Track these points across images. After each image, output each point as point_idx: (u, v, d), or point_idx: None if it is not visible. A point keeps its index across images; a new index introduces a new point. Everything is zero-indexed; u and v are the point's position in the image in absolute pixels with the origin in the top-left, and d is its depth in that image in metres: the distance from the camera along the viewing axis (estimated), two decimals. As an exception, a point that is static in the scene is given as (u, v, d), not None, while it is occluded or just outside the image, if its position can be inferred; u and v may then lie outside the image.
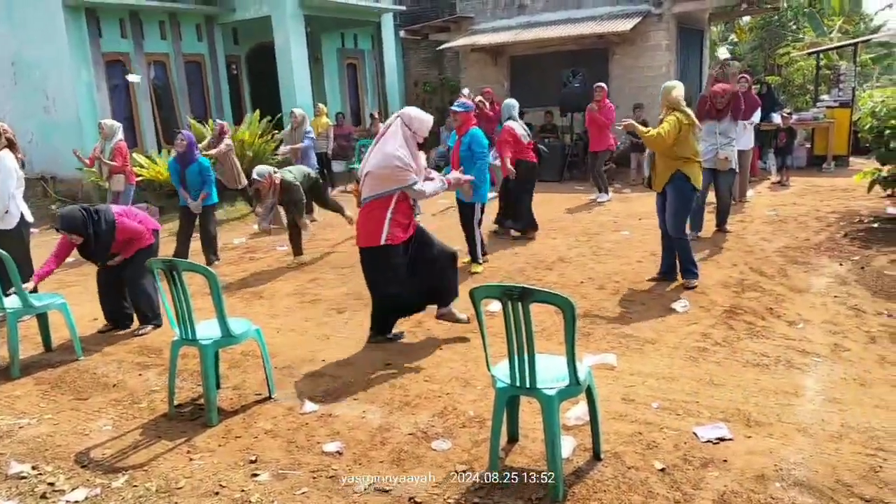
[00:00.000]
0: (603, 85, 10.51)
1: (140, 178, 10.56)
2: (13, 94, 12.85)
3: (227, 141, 10.11)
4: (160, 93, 13.72)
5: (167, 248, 7.89)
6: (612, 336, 4.85)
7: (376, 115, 15.82)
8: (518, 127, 7.82)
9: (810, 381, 3.98)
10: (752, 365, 4.24)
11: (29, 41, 12.34)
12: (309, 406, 3.99)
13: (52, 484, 3.33)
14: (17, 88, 12.79)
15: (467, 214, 6.78)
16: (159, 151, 12.47)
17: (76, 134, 11.89)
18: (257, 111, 12.86)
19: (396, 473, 3.24)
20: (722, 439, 3.37)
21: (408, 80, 19.38)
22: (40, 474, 3.44)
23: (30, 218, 6.12)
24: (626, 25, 12.82)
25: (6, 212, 5.85)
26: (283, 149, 10.70)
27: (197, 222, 7.83)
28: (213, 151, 10.07)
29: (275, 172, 7.14)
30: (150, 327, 5.55)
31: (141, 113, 13.28)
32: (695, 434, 3.43)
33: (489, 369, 3.19)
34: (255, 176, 7.07)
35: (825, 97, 13.45)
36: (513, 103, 8.03)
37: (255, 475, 3.29)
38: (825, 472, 3.04)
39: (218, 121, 10.98)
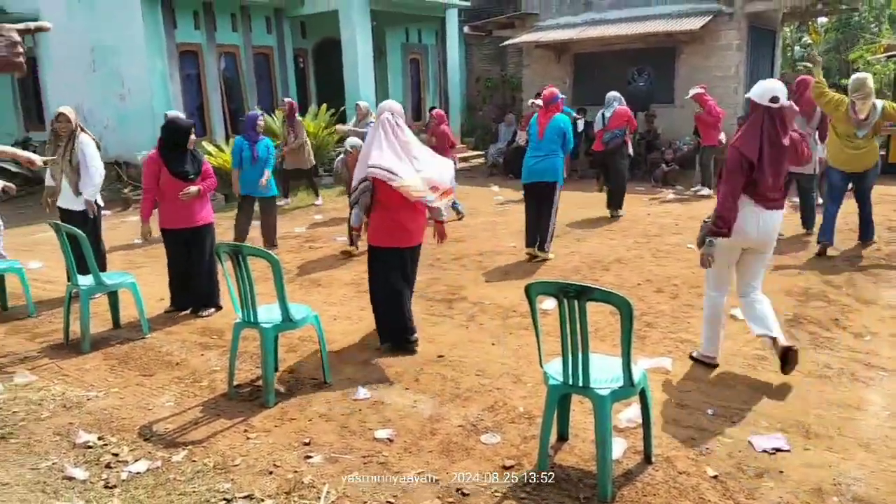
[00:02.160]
0: (695, 91, 10.45)
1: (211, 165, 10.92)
2: (91, 81, 13.39)
3: (301, 123, 10.52)
4: (230, 84, 14.10)
5: (227, 236, 8.13)
6: (668, 340, 4.78)
7: (434, 112, 15.91)
8: (597, 118, 9.33)
9: (875, 395, 3.84)
10: (814, 376, 4.11)
11: (108, 29, 12.85)
12: (362, 392, 4.06)
13: (116, 454, 3.49)
14: (96, 75, 13.33)
15: (551, 195, 6.98)
16: (227, 141, 12.83)
17: (149, 122, 12.34)
18: (324, 105, 13.10)
19: (445, 464, 3.28)
20: (779, 450, 3.28)
21: (470, 77, 19.40)
22: (105, 444, 3.60)
23: (100, 202, 6.37)
24: (695, 24, 12.54)
25: (80, 194, 6.08)
26: (341, 127, 10.85)
27: (256, 208, 8.04)
28: (293, 144, 10.44)
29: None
30: (212, 309, 5.74)
31: (211, 103, 13.68)
32: (750, 443, 3.35)
33: (542, 366, 3.19)
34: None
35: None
36: (611, 93, 9.52)
37: (308, 457, 3.37)
38: (887, 490, 2.94)
39: (286, 99, 11.26)
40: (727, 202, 3.96)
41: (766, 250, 4.19)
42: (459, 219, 9.54)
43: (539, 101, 10.77)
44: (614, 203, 9.37)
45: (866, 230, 7.19)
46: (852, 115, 6.53)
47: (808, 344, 4.60)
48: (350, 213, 5.00)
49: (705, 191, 10.97)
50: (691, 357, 4.41)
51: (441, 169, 4.72)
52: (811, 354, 4.43)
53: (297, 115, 10.79)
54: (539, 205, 7.05)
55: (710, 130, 10.58)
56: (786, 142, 3.98)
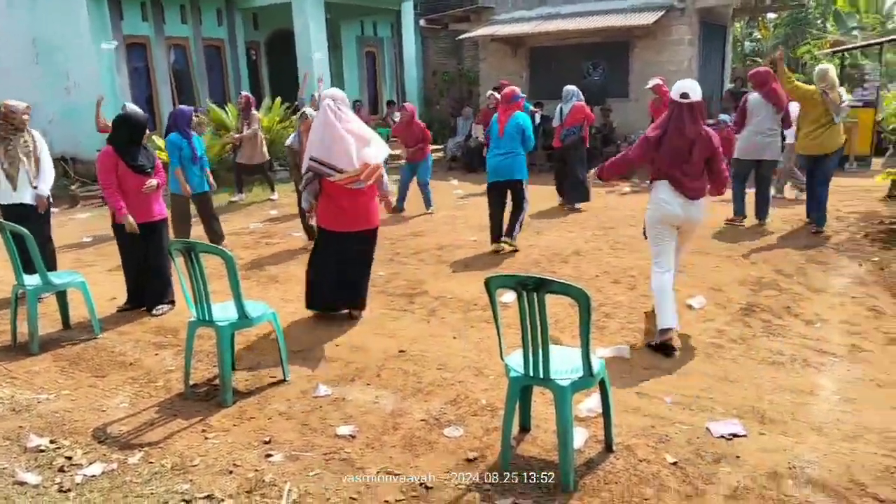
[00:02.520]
0: (656, 81, 10.63)
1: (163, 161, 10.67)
2: (34, 75, 12.95)
3: (257, 116, 10.33)
4: (180, 77, 13.80)
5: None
6: (626, 330, 4.84)
7: (394, 104, 15.82)
8: (556, 112, 9.47)
9: (826, 380, 3.96)
10: (767, 363, 4.22)
11: (51, 21, 12.45)
12: (322, 389, 4.02)
13: (69, 458, 3.38)
14: (39, 68, 12.90)
15: (521, 191, 7.17)
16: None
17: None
18: (278, 98, 12.90)
19: (408, 459, 3.26)
20: (735, 435, 3.35)
21: (426, 70, 19.36)
22: (58, 448, 3.49)
23: (51, 198, 6.17)
24: (648, 19, 12.73)
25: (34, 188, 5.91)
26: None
27: (192, 210, 7.67)
28: (247, 133, 10.24)
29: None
30: (166, 306, 5.61)
31: (160, 96, 13.37)
32: (708, 430, 3.42)
33: (503, 358, 3.20)
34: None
35: (849, 97, 13.28)
36: (569, 88, 9.57)
37: (269, 455, 3.32)
38: (839, 472, 3.03)
39: (243, 92, 11.08)
40: (616, 160, 4.87)
41: (690, 232, 4.83)
42: (430, 213, 9.52)
43: (497, 94, 10.89)
44: (577, 197, 9.49)
45: (820, 213, 7.56)
46: (829, 102, 7.26)
47: (762, 332, 4.71)
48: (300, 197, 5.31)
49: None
50: (650, 346, 4.48)
51: (375, 152, 4.90)
52: (764, 342, 4.54)
53: (252, 108, 10.65)
54: (504, 200, 7.23)
55: None
56: (691, 132, 4.45)
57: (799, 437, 3.33)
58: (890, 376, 3.98)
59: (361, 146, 4.87)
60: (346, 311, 5.30)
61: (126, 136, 5.37)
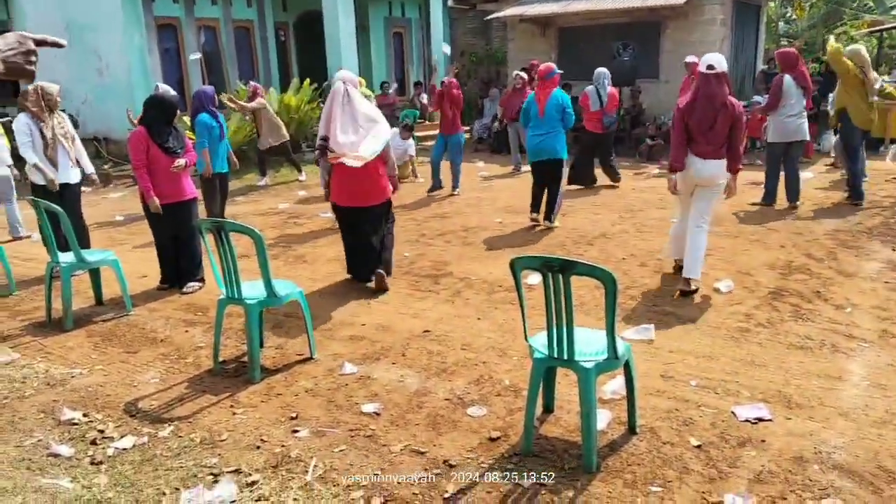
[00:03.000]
0: (691, 59, 10.38)
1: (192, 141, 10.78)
2: (67, 56, 13.12)
3: (261, 100, 10.36)
4: (210, 58, 13.88)
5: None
6: (652, 313, 4.81)
7: (421, 85, 15.78)
8: (593, 93, 9.09)
9: (855, 365, 3.90)
10: (795, 347, 4.17)
11: (82, 4, 12.58)
12: (348, 368, 4.07)
13: (101, 431, 3.47)
14: (72, 50, 13.04)
15: (559, 171, 7.33)
16: (208, 116, 12.64)
17: (128, 97, 12.14)
18: (307, 80, 12.93)
19: (432, 436, 3.29)
20: (761, 420, 3.33)
21: (454, 51, 19.23)
22: (91, 421, 3.58)
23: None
24: (680, -2, 12.47)
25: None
26: None
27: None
28: (249, 105, 10.31)
29: None
30: (196, 285, 5.70)
31: (191, 78, 13.48)
32: (733, 413, 3.40)
33: (527, 339, 3.21)
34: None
35: (885, 78, 12.93)
36: (602, 71, 9.28)
37: (296, 431, 3.38)
38: (866, 457, 2.99)
39: (251, 82, 11.14)
40: (674, 149, 5.22)
41: (708, 190, 5.19)
42: (456, 194, 9.56)
43: (524, 74, 10.82)
44: (614, 176, 9.64)
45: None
46: (867, 82, 7.69)
47: (790, 316, 4.65)
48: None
49: None
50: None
51: (372, 145, 5.09)
52: (792, 326, 4.48)
53: (260, 96, 10.60)
54: (544, 180, 7.36)
55: None
56: (718, 100, 4.98)
57: (826, 423, 3.29)
58: (922, 363, 3.91)
59: (357, 136, 5.07)
60: (371, 283, 5.54)
61: (157, 116, 5.44)
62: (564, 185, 7.48)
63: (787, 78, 7.47)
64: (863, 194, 7.90)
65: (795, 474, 2.90)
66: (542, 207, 7.43)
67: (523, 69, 13.65)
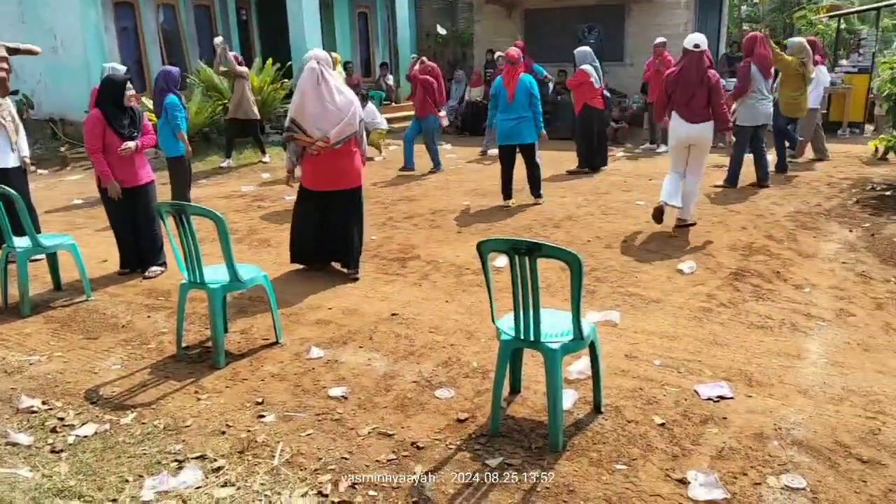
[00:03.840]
0: (661, 40, 10.67)
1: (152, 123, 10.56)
2: (21, 33, 12.69)
3: (245, 69, 10.33)
4: (169, 37, 13.55)
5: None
6: (617, 294, 4.87)
7: (387, 66, 15.64)
8: (592, 72, 9.04)
9: (814, 344, 4.00)
10: (756, 327, 4.25)
11: (36, -21, 12.17)
12: (315, 352, 4.04)
13: (61, 419, 3.40)
14: (25, 27, 12.63)
15: (533, 154, 7.50)
16: (168, 96, 12.36)
17: (84, 76, 11.80)
18: (269, 60, 12.71)
19: (400, 419, 3.29)
20: (722, 398, 3.40)
21: (419, 32, 19.07)
22: (50, 409, 3.50)
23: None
24: (645, -19, 12.52)
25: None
26: None
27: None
28: (242, 69, 10.26)
29: None
30: (158, 269, 5.59)
31: (150, 57, 13.15)
32: (696, 392, 3.46)
33: (494, 321, 3.21)
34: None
35: (844, 62, 13.20)
36: (587, 50, 9.32)
37: (262, 416, 3.35)
38: (824, 433, 3.08)
39: (231, 52, 10.96)
40: (656, 107, 6.60)
41: (698, 148, 6.21)
42: (436, 171, 9.82)
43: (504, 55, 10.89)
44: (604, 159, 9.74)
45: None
46: (805, 73, 8.38)
47: (751, 296, 4.74)
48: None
49: (662, 148, 11.01)
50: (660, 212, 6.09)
51: (345, 130, 4.97)
52: (753, 306, 4.57)
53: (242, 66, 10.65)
54: (514, 161, 7.55)
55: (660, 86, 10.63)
56: (700, 75, 6.00)
57: (785, 400, 3.37)
58: (876, 340, 4.02)
59: (332, 118, 4.92)
60: (337, 266, 5.46)
61: (106, 98, 5.31)
62: (540, 163, 7.63)
63: (752, 65, 7.64)
64: (737, 182, 8.10)
65: (756, 450, 2.96)
66: (514, 190, 7.65)
67: (489, 51, 13.65)
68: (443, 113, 10.16)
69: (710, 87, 6.00)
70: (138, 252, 5.60)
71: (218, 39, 11.11)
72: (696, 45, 6.05)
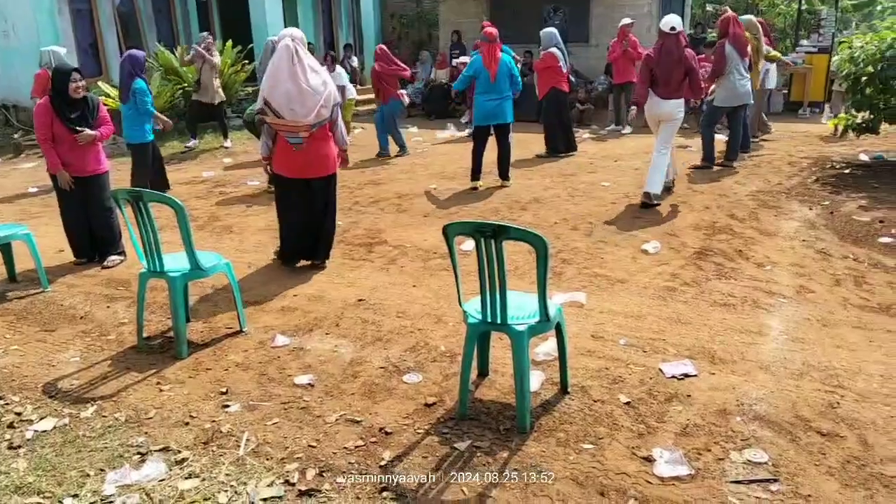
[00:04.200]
0: (627, 21, 10.73)
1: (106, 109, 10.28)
2: (-31, 17, 12.25)
3: (217, 57, 10.16)
4: (126, 19, 13.17)
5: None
6: (583, 275, 4.89)
7: (351, 48, 15.43)
8: (560, 55, 8.92)
9: (775, 321, 4.07)
10: (719, 305, 4.31)
11: (-16, -41, 11.71)
12: (280, 340, 3.99)
13: (19, 414, 3.31)
14: (-27, 10, 12.19)
15: (508, 133, 7.59)
16: (125, 81, 12.04)
17: (37, 61, 11.40)
18: (229, 41, 12.45)
19: (368, 405, 3.27)
20: (687, 375, 3.44)
21: (384, 13, 18.84)
22: (7, 404, 3.41)
23: None
24: (608, -39, 12.52)
25: None
26: None
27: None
28: (215, 60, 10.08)
29: None
30: (117, 258, 5.47)
31: (106, 40, 12.77)
32: (660, 370, 3.50)
33: (461, 305, 3.20)
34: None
35: (804, 42, 13.39)
36: (554, 32, 9.12)
37: (226, 406, 3.30)
38: (785, 408, 3.13)
39: (206, 35, 10.75)
40: (638, 88, 6.71)
41: (668, 124, 6.59)
42: (400, 155, 9.74)
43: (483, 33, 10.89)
44: (572, 145, 9.55)
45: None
46: (760, 49, 8.38)
47: (714, 275, 4.81)
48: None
49: (627, 129, 11.10)
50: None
51: (319, 109, 4.71)
52: (716, 285, 4.63)
53: (213, 50, 10.49)
54: (486, 143, 7.58)
55: (630, 67, 10.66)
56: (677, 55, 6.43)
57: (747, 376, 3.43)
58: (835, 316, 4.11)
59: (307, 100, 4.66)
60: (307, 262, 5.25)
61: (55, 88, 5.16)
62: (513, 141, 7.75)
63: (727, 45, 7.64)
64: (713, 159, 8.16)
65: (719, 426, 3.01)
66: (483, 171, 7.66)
67: (454, 32, 13.58)
68: (403, 91, 10.03)
69: (687, 66, 6.45)
70: (95, 242, 5.47)
71: (205, 34, 10.98)
72: (672, 28, 6.45)
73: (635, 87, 6.77)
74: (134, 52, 7.34)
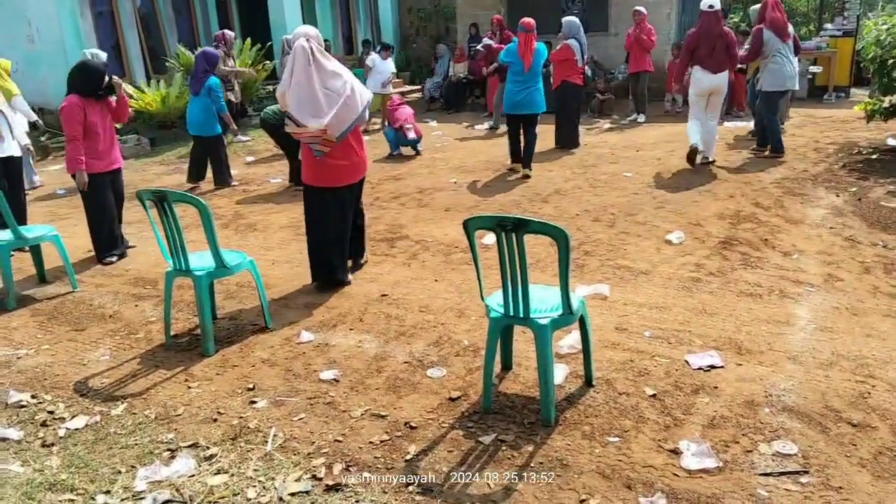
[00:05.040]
0: (640, 8, 10.71)
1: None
2: (-5, 22, 12.46)
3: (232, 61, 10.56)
4: (146, 20, 13.31)
5: (166, 180, 7.82)
6: (606, 267, 4.86)
7: (370, 44, 15.44)
8: (576, 47, 8.84)
9: (803, 310, 4.01)
10: (745, 295, 4.26)
11: (7, -35, 11.89)
12: (305, 336, 4.02)
13: (51, 412, 3.37)
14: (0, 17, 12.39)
15: (536, 123, 7.78)
16: (148, 81, 12.19)
17: (62, 64, 11.55)
18: (248, 40, 12.52)
19: (392, 400, 3.29)
20: (713, 367, 3.41)
21: (401, 7, 18.82)
22: (39, 403, 3.48)
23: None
24: (627, -51, 12.38)
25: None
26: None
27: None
28: (247, 70, 10.28)
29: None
30: (116, 257, 5.66)
31: (128, 42, 12.92)
32: (686, 362, 3.47)
33: (483, 299, 3.20)
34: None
35: (829, 26, 13.13)
36: (575, 21, 9.04)
37: (253, 402, 3.33)
38: (814, 399, 3.09)
39: (227, 31, 10.80)
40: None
41: (717, 95, 7.42)
42: (416, 154, 9.51)
43: (491, 43, 10.96)
44: (576, 141, 9.38)
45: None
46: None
47: (739, 264, 4.75)
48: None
49: (641, 118, 11.05)
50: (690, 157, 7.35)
51: (343, 114, 4.31)
52: (742, 274, 4.58)
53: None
54: (523, 130, 7.75)
55: (644, 55, 10.61)
56: (717, 30, 7.16)
57: (775, 367, 3.39)
58: (864, 304, 4.04)
59: (326, 104, 4.28)
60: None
61: (85, 83, 5.29)
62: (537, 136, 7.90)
63: (765, 30, 7.56)
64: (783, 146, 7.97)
65: (747, 418, 2.98)
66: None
67: (472, 24, 13.57)
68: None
69: (727, 40, 7.14)
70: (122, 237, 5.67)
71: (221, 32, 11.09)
72: (711, 6, 7.14)
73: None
74: (207, 49, 8.02)
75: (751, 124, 9.18)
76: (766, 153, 7.94)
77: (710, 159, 7.56)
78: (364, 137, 4.80)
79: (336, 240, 4.63)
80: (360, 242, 5.10)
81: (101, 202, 5.49)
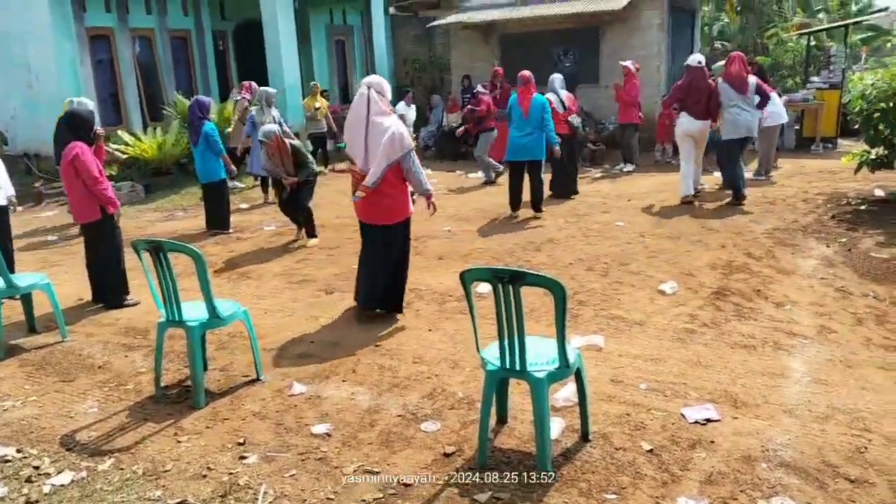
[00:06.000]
0: (626, 63, 11.02)
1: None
2: (-5, 70, 12.62)
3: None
4: (145, 69, 13.51)
5: (163, 227, 7.80)
6: (600, 318, 4.86)
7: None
8: (555, 99, 8.98)
9: (797, 362, 4.00)
10: (739, 346, 4.26)
11: (10, 13, 12.08)
12: (297, 388, 3.97)
13: (37, 467, 3.30)
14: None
15: (539, 170, 8.10)
16: (144, 129, 12.30)
17: (59, 111, 11.66)
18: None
19: (386, 455, 3.23)
20: (709, 420, 3.38)
21: (397, 58, 19.19)
22: (25, 457, 3.40)
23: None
24: (618, 4, 12.71)
25: None
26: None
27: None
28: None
29: (282, 133, 7.16)
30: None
31: (126, 89, 13.09)
32: (682, 415, 3.44)
33: (479, 351, 3.18)
34: (261, 137, 7.10)
35: (815, 79, 13.43)
36: (557, 77, 9.31)
37: (243, 457, 3.27)
38: (811, 453, 3.07)
39: (254, 83, 10.91)
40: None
41: (699, 139, 8.34)
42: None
43: (483, 90, 11.15)
44: (573, 188, 9.43)
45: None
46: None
47: (733, 315, 4.75)
48: None
49: (629, 167, 11.22)
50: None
51: (379, 166, 4.63)
52: (736, 325, 4.58)
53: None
54: (523, 175, 8.13)
55: (629, 108, 10.89)
56: (703, 84, 8.05)
57: (771, 420, 3.36)
58: (858, 356, 4.04)
59: (369, 149, 4.67)
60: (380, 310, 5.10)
61: (72, 130, 5.43)
62: (543, 181, 8.23)
63: (720, 81, 8.12)
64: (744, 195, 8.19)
65: (744, 474, 2.95)
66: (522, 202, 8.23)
67: (464, 77, 13.84)
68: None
69: (710, 92, 8.04)
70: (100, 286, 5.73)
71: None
72: (699, 62, 8.11)
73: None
74: (201, 97, 8.17)
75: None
76: (730, 200, 8.23)
77: (702, 184, 8.63)
78: (408, 189, 4.93)
79: (369, 268, 4.98)
80: (387, 293, 5.03)
81: (119, 244, 5.59)
